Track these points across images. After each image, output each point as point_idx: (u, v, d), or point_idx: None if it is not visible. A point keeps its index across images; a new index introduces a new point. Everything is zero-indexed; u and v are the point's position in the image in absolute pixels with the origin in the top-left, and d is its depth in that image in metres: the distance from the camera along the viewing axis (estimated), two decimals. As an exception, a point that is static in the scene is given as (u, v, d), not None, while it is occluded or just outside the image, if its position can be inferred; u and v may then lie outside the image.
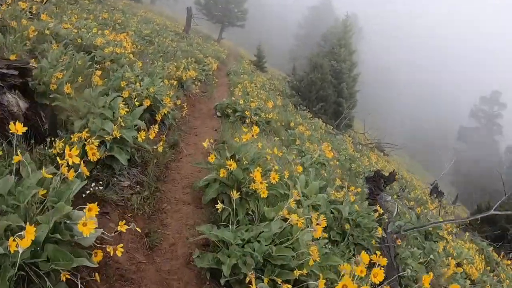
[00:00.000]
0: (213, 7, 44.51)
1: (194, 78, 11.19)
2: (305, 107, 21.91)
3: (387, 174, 14.17)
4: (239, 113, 8.79)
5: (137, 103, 5.25)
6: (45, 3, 12.36)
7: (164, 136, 5.76)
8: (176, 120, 7.20)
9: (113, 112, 4.59)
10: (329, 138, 17.44)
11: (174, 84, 8.76)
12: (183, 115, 7.20)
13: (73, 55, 6.53)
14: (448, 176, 58.40)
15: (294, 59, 69.74)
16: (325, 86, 22.81)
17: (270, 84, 24.98)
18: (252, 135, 5.10)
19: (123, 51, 7.58)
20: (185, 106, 6.72)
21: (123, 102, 4.83)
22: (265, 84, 23.38)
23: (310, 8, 71.07)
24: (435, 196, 19.75)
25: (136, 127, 4.77)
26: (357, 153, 17.58)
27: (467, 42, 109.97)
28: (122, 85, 5.65)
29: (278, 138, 9.24)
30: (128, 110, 4.76)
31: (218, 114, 9.32)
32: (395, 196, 12.67)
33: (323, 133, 18.48)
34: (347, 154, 14.31)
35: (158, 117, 5.68)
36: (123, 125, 4.41)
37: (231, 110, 8.97)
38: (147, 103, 5.60)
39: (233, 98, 9.46)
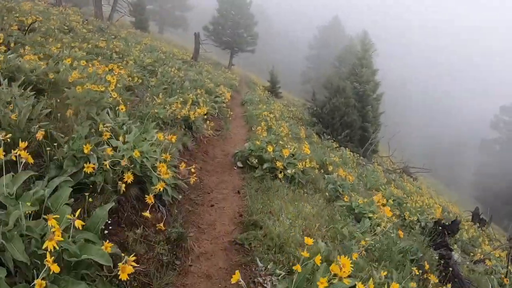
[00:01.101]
0: (222, 33, 42.98)
1: (205, 114, 9.00)
2: (329, 136, 19.60)
3: (438, 216, 11.71)
4: (268, 164, 6.49)
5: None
6: (27, 32, 10.47)
7: (161, 225, 3.51)
8: (182, 192, 4.93)
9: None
10: (364, 173, 15.07)
11: (180, 129, 6.56)
12: (193, 178, 4.91)
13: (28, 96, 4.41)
14: (472, 191, 55.38)
15: (307, 81, 68.06)
16: (349, 111, 20.53)
17: (288, 112, 22.80)
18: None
19: (104, 89, 5.40)
20: (193, 169, 4.41)
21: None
22: (283, 112, 21.21)
23: (320, 28, 69.49)
24: (477, 224, 17.17)
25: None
26: (400, 190, 15.09)
27: (483, 52, 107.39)
28: (86, 150, 3.41)
29: (319, 195, 6.91)
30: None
31: (239, 164, 7.05)
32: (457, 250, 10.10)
33: (354, 166, 16.19)
34: (392, 196, 11.84)
35: (150, 199, 3.42)
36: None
37: (256, 160, 6.70)
38: (128, 178, 3.36)
39: (256, 141, 7.17)
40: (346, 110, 20.36)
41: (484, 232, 16.04)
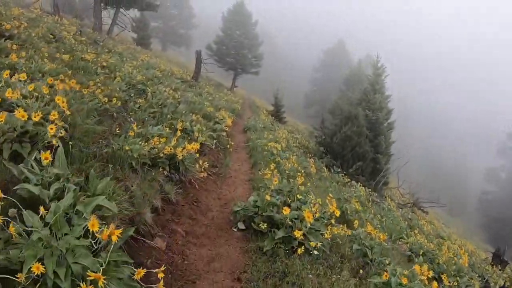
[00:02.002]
0: (226, 53, 41.54)
1: (199, 148, 7.08)
2: (339, 168, 17.70)
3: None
4: (282, 233, 4.51)
5: None
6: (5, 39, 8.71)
7: None
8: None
9: None
10: (380, 213, 13.12)
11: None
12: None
13: None
14: (477, 219, 53.32)
15: (310, 105, 66.55)
16: (362, 141, 18.68)
17: (293, 139, 20.95)
18: None
19: (39, 117, 3.51)
20: (161, 274, 2.47)
21: None
22: (289, 140, 19.38)
23: (325, 51, 68.41)
24: (498, 266, 15.19)
25: None
26: (423, 237, 13.08)
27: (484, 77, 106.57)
28: None
29: (347, 268, 4.97)
30: None
31: (241, 226, 5.10)
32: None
33: (369, 205, 14.29)
34: (420, 248, 9.85)
35: None
36: None
37: (265, 224, 4.75)
38: None
39: (266, 195, 5.21)
40: (358, 140, 18.51)
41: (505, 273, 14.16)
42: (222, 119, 13.27)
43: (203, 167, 6.71)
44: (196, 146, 6.63)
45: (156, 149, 5.57)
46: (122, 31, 31.65)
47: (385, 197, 21.86)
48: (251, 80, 54.16)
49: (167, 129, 7.13)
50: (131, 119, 7.65)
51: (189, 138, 8.39)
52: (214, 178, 7.55)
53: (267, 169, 8.06)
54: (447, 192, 61.09)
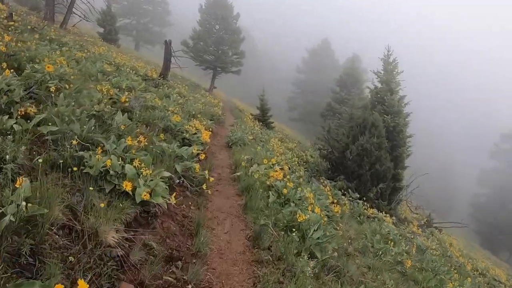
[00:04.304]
0: (203, 50, 36.50)
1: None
2: (356, 193, 13.22)
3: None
4: None
5: None
6: None
7: None
8: None
9: None
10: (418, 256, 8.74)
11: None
12: None
13: None
14: (470, 223, 50.58)
15: (293, 108, 62.06)
16: (382, 156, 14.21)
17: (291, 153, 16.34)
18: None
19: None
20: None
21: None
22: (286, 154, 14.78)
23: (310, 51, 64.09)
24: None
25: None
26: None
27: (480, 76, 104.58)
28: None
29: None
30: None
31: None
32: None
33: (402, 243, 10.02)
34: None
35: None
36: None
37: None
38: None
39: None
40: (378, 154, 14.03)
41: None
42: (194, 133, 8.56)
43: None
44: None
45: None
46: (80, 21, 26.50)
47: (404, 218, 17.57)
48: (229, 80, 49.21)
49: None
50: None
51: (116, 195, 3.79)
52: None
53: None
54: (438, 196, 58.02)
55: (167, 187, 4.63)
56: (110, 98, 7.78)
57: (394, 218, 14.74)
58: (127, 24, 55.63)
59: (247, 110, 31.64)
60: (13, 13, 14.97)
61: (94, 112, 6.16)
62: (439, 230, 21.26)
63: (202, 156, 6.22)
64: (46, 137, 4.74)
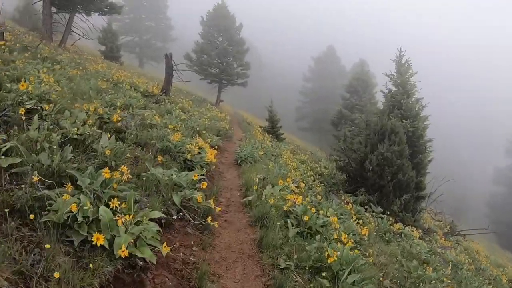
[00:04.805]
0: (207, 63, 35.68)
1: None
2: (378, 207, 12.06)
3: None
4: None
5: None
6: None
7: None
8: None
9: None
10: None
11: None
12: None
13: None
14: (485, 223, 48.83)
15: (301, 118, 60.95)
16: (404, 164, 13.07)
17: (305, 166, 15.28)
18: None
19: None
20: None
21: None
22: (299, 167, 13.72)
23: (315, 59, 63.17)
24: None
25: None
26: None
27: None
28: None
29: None
30: None
31: None
32: None
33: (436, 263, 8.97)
34: None
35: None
36: None
37: None
38: None
39: None
40: (400, 163, 12.89)
41: None
42: (198, 153, 7.55)
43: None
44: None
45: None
46: (79, 39, 25.90)
47: (428, 228, 16.32)
48: (236, 93, 48.30)
49: None
50: None
51: (88, 250, 2.79)
52: None
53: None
54: (454, 198, 56.25)
55: (159, 229, 3.61)
56: (99, 118, 6.83)
57: (420, 230, 13.57)
58: (129, 41, 55.30)
59: (255, 123, 30.69)
60: (7, 32, 14.29)
61: (76, 136, 5.20)
62: (463, 237, 20.04)
63: (204, 185, 5.15)
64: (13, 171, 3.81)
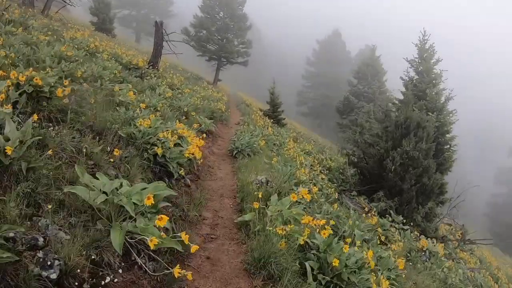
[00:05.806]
0: (206, 39, 33.12)
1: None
2: (400, 216, 10.02)
3: None
4: None
5: None
6: None
7: None
8: None
9: None
10: None
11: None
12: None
13: None
14: (485, 224, 47.81)
15: (303, 102, 58.59)
16: (430, 165, 10.96)
17: (312, 160, 13.17)
18: None
19: None
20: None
21: None
22: (306, 162, 11.58)
23: (320, 42, 60.45)
24: None
25: None
26: None
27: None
28: None
29: None
30: None
31: None
32: None
33: None
34: None
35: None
36: None
37: None
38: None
39: None
40: (426, 164, 10.79)
41: None
42: (177, 144, 5.40)
43: None
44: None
45: None
46: (64, 6, 23.34)
47: (443, 236, 14.36)
48: (235, 74, 45.78)
49: None
50: None
51: None
52: None
53: None
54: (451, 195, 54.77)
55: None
56: (36, 91, 4.65)
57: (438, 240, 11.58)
58: (126, 16, 52.42)
59: (255, 105, 28.39)
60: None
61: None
62: (473, 243, 18.20)
63: (163, 221, 3.01)
64: None
